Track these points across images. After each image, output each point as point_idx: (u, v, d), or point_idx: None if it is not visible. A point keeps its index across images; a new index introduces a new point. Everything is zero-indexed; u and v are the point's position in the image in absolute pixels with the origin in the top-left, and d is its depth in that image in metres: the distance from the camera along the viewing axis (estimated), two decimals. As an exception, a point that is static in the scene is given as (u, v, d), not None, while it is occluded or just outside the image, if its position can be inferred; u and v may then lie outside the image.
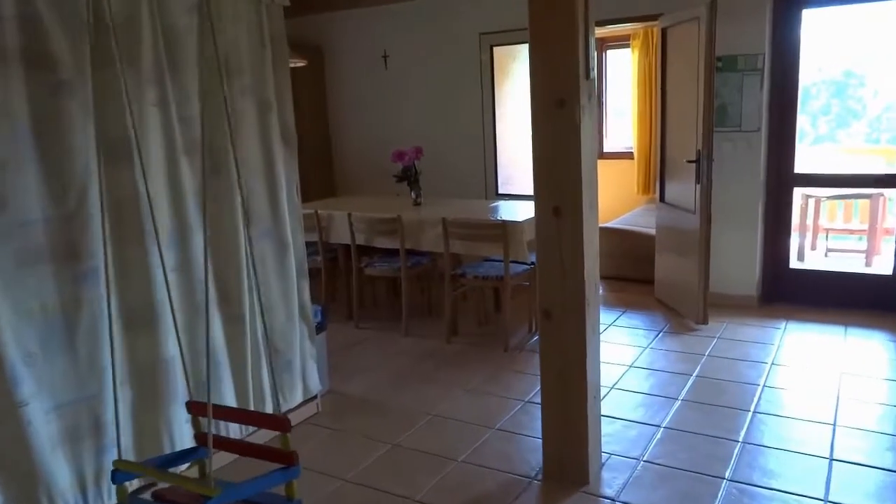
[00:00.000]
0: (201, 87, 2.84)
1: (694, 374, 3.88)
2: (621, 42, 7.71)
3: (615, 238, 5.99)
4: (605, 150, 8.10)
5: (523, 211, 4.58)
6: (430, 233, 4.61)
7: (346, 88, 6.63)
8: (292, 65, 4.93)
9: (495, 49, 5.89)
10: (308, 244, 5.36)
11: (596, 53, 2.52)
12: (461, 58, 5.98)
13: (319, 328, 3.78)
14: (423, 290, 5.39)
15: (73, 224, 2.43)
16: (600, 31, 7.66)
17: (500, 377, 3.99)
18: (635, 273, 5.85)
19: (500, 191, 6.15)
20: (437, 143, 6.17)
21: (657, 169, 5.36)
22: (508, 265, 4.30)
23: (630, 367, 4.05)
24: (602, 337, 4.54)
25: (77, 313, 2.45)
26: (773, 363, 3.99)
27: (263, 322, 3.22)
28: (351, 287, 5.07)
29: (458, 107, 6.10)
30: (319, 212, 5.02)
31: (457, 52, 5.99)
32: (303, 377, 3.49)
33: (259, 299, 3.18)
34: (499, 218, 4.43)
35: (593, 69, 2.62)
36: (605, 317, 4.99)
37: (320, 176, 6.79)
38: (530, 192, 2.80)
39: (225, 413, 2.08)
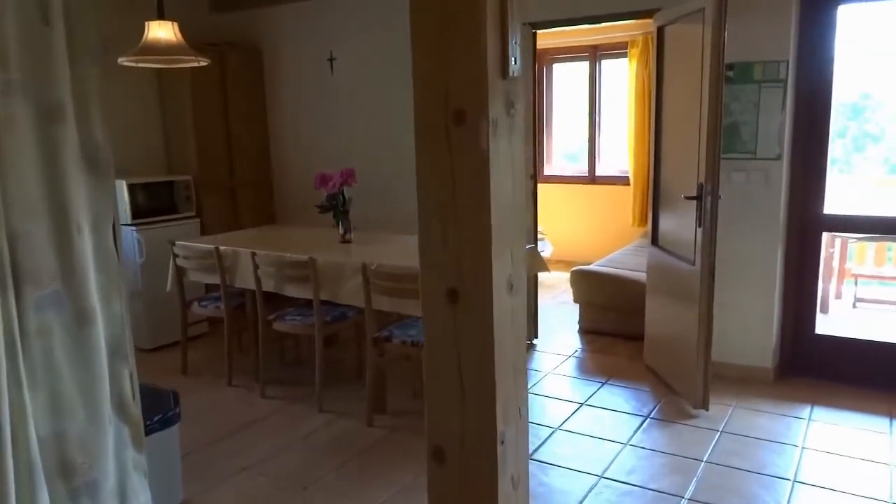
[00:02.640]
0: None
1: (686, 497, 2.80)
2: (618, 50, 6.72)
3: (599, 283, 4.93)
4: (598, 174, 7.10)
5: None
6: (350, 282, 3.56)
7: (287, 96, 5.60)
8: (194, 64, 3.93)
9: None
10: (212, 287, 4.41)
11: (519, 35, 1.35)
12: (419, 62, 4.94)
13: (169, 421, 2.75)
14: (357, 347, 4.32)
15: None
16: (592, 36, 6.68)
17: (419, 490, 2.93)
18: (624, 328, 4.78)
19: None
20: (390, 163, 5.13)
21: (650, 203, 4.32)
22: (444, 330, 3.25)
23: (600, 478, 2.98)
24: (569, 423, 3.48)
25: None
26: (795, 480, 2.91)
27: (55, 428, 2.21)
28: (259, 344, 4.03)
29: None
30: (222, 249, 3.99)
31: (414, 55, 4.95)
32: (120, 499, 2.45)
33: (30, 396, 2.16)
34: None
35: (516, 60, 1.59)
36: (581, 390, 3.92)
37: (258, 200, 5.74)
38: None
39: None
